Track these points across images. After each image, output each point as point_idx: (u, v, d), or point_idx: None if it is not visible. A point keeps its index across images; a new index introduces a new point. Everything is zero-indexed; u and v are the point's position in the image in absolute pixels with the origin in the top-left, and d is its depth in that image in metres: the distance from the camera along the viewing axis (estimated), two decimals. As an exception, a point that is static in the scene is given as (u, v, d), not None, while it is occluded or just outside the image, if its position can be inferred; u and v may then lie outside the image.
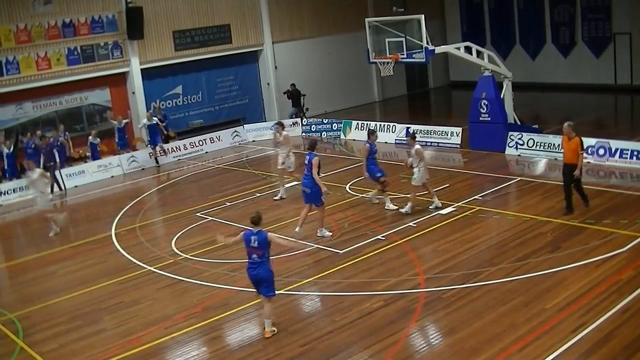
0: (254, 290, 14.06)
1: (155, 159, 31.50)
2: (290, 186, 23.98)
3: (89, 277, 18.33)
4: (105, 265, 19.19)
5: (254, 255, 13.65)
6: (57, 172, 28.23)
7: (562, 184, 19.13)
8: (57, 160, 28.50)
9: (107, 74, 32.76)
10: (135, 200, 25.65)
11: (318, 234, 19.26)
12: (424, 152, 20.52)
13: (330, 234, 19.38)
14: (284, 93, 36.59)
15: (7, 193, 27.72)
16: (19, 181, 27.96)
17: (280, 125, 24.20)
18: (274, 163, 29.90)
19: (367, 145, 20.94)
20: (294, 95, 36.24)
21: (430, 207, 20.60)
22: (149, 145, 31.57)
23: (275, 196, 23.82)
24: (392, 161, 27.47)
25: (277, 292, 14.43)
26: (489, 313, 13.62)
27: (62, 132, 30.26)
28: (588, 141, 24.27)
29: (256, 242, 13.58)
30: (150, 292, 16.84)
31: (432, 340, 13.25)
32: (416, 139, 20.89)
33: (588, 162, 23.86)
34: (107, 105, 33.21)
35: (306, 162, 19.30)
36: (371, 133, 21.29)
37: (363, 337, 13.28)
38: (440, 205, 20.56)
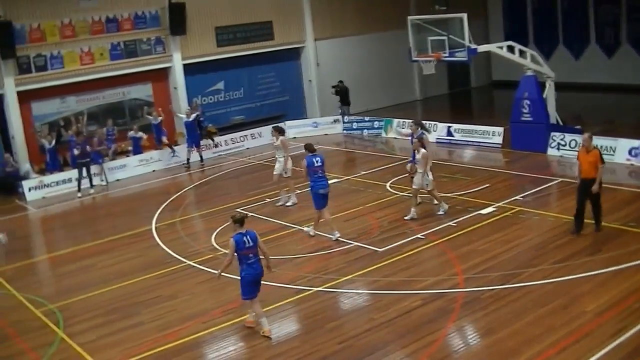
0: (255, 287, 13.86)
1: (200, 155, 31.32)
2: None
3: (128, 270, 18.52)
4: (145, 259, 19.35)
5: (250, 255, 13.56)
6: (91, 168, 28.09)
7: (576, 200, 17.68)
8: (91, 157, 28.08)
9: (149, 69, 33.08)
10: (176, 195, 25.83)
11: (333, 237, 19.13)
12: (429, 157, 20.17)
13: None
14: (333, 87, 36.46)
15: (50, 186, 28.09)
16: (62, 174, 28.36)
17: (277, 130, 23.27)
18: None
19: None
20: (342, 92, 36.17)
21: (439, 213, 20.27)
22: (187, 146, 31.06)
23: (278, 202, 23.32)
24: (432, 160, 27.32)
25: (316, 288, 14.41)
26: (528, 315, 13.50)
27: (111, 127, 30.73)
28: (631, 143, 24.02)
29: (250, 241, 13.49)
30: (189, 286, 16.94)
31: (470, 340, 13.16)
32: (423, 139, 20.41)
33: (631, 164, 23.60)
34: (149, 100, 33.53)
35: (319, 163, 19.06)
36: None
37: (400, 336, 13.24)
38: (446, 207, 20.28)
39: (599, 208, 17.55)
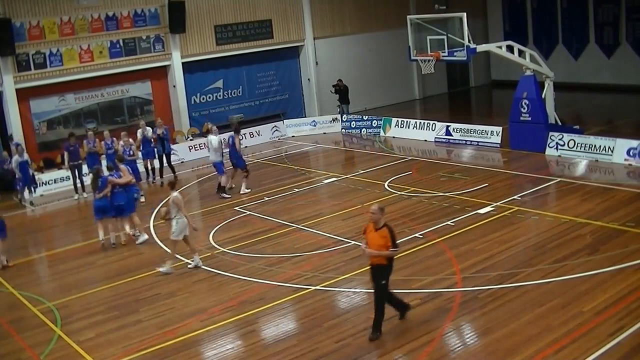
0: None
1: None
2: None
3: (127, 268, 18.53)
4: (143, 257, 19.35)
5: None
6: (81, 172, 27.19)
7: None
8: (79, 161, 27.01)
9: (148, 67, 33.05)
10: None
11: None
12: (182, 201, 17.74)
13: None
14: (333, 86, 36.45)
15: (48, 183, 28.13)
16: (60, 172, 28.36)
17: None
18: (313, 159, 30.09)
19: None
20: (342, 91, 36.19)
21: (189, 265, 17.97)
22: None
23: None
24: (431, 159, 27.45)
25: (314, 287, 14.39)
26: (526, 314, 13.52)
27: (109, 140, 26.39)
28: (630, 143, 24.03)
29: None
30: (187, 284, 16.95)
31: (468, 340, 13.17)
32: (174, 187, 18.08)
33: (630, 165, 23.61)
34: (148, 98, 33.49)
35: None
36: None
37: (398, 335, 13.26)
38: (200, 264, 17.86)
39: (378, 308, 13.31)
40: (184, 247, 18.17)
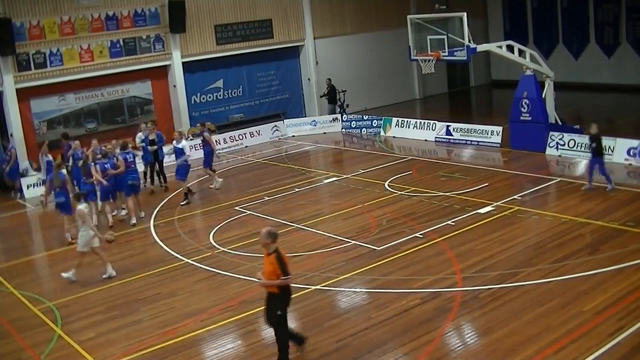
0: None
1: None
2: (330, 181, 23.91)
3: (127, 267, 18.52)
4: (143, 257, 19.36)
5: None
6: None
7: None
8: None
9: (148, 67, 33.01)
10: (174, 193, 25.76)
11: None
12: (86, 214, 17.70)
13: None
14: (322, 96, 36.73)
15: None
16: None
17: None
18: (313, 158, 30.11)
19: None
20: (331, 91, 36.23)
21: (104, 275, 17.91)
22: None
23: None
24: (431, 159, 27.46)
25: (314, 287, 14.37)
26: (526, 314, 13.52)
27: (98, 148, 24.05)
28: (630, 142, 24.04)
29: None
30: (188, 284, 16.95)
31: (468, 339, 13.17)
32: (80, 200, 18.02)
33: (630, 164, 23.61)
34: (148, 97, 33.48)
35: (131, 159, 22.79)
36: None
37: (398, 335, 13.26)
38: (114, 274, 17.88)
39: (279, 340, 12.44)
40: (97, 258, 18.10)
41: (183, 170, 24.31)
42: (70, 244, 20.28)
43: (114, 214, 22.85)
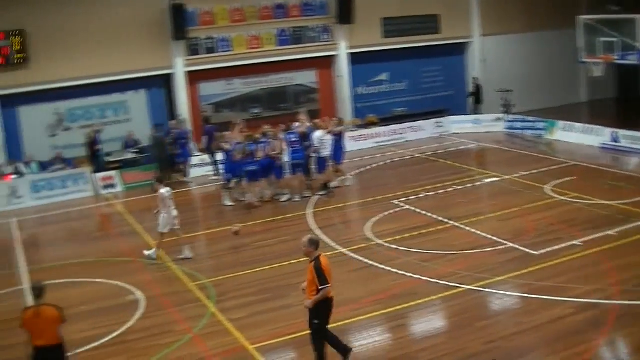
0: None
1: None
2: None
3: (281, 252, 18.69)
4: (298, 243, 19.39)
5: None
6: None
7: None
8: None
9: (315, 56, 33.35)
10: (336, 181, 25.72)
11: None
12: (166, 197, 18.52)
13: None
14: (468, 96, 36.07)
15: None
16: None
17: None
18: (475, 156, 29.62)
19: None
20: (477, 91, 35.56)
21: (180, 256, 18.71)
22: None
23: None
24: (595, 165, 26.30)
25: (467, 286, 14.00)
26: (692, 336, 12.65)
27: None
28: None
29: None
30: (340, 273, 16.81)
31: (621, 356, 12.39)
32: (163, 183, 19.12)
33: None
34: (313, 87, 33.81)
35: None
36: None
37: (548, 344, 12.70)
38: (190, 256, 18.73)
39: (315, 349, 12.12)
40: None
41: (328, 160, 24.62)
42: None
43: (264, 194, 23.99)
